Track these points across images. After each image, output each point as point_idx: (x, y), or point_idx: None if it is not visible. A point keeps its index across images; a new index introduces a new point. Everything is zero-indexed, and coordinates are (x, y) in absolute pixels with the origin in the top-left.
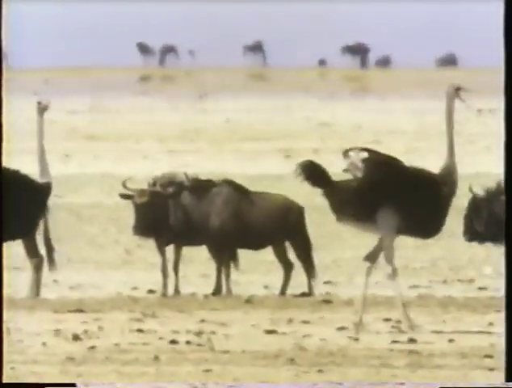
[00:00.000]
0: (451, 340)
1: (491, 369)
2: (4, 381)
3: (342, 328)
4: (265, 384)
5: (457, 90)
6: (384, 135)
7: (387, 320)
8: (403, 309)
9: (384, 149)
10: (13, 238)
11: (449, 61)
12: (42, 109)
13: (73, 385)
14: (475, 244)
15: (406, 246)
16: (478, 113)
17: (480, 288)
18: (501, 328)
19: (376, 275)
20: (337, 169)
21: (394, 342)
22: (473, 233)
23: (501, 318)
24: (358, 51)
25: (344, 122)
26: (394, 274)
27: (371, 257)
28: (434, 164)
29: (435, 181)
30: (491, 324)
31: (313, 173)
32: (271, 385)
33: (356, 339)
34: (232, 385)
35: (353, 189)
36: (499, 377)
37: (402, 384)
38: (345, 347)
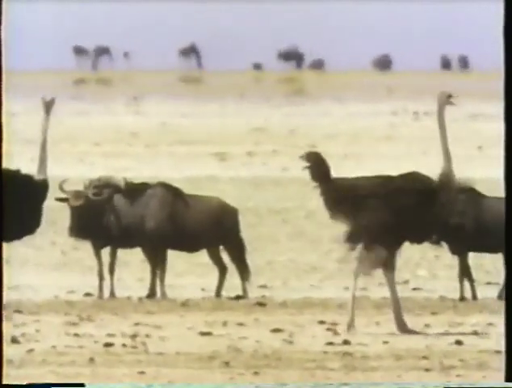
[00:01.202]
0: (385, 342)
1: (427, 370)
2: (4, 382)
3: (276, 330)
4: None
5: (448, 97)
6: (319, 139)
7: (321, 322)
8: (352, 309)
9: (320, 152)
10: (17, 237)
11: (384, 63)
12: (48, 105)
13: (82, 385)
14: (408, 246)
15: (341, 249)
16: (414, 116)
17: (415, 290)
18: (437, 329)
19: (312, 278)
20: (272, 172)
21: (329, 344)
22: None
23: (436, 319)
24: (292, 55)
25: (279, 126)
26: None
27: (390, 266)
28: (371, 168)
29: (432, 188)
30: (427, 326)
31: (318, 164)
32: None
33: (290, 342)
34: None
35: (350, 187)
36: (434, 377)
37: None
38: (280, 350)
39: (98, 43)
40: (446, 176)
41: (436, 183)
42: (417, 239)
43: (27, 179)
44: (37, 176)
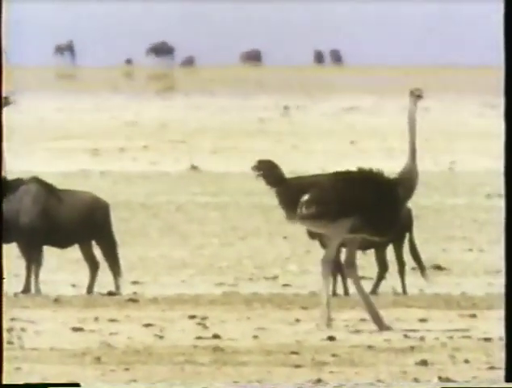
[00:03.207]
0: (255, 337)
1: (297, 366)
2: (4, 382)
3: (147, 325)
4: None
5: (418, 95)
6: (190, 134)
7: (192, 317)
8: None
9: (190, 147)
10: None
11: (254, 57)
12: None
13: (78, 385)
14: (279, 242)
15: (212, 244)
16: (285, 111)
17: (285, 285)
18: (307, 324)
19: (183, 273)
20: (143, 166)
21: (198, 338)
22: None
23: (307, 314)
24: (163, 50)
25: (150, 121)
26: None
27: (350, 263)
28: (241, 162)
29: (392, 184)
30: (297, 320)
31: (270, 171)
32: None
33: (161, 337)
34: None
35: (304, 185)
36: (306, 373)
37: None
38: (151, 345)
39: None
40: (408, 174)
41: (397, 179)
42: (376, 233)
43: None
44: None
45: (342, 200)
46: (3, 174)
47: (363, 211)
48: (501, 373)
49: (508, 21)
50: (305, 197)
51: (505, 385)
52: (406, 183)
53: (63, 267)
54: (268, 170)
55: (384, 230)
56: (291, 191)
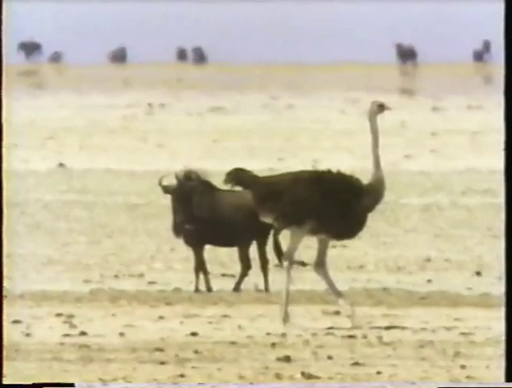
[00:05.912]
0: (121, 334)
1: (162, 363)
2: (4, 382)
3: (15, 322)
4: None
5: (380, 107)
6: (58, 131)
7: (59, 315)
8: (285, 303)
9: (58, 145)
10: None
11: (119, 55)
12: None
13: (72, 385)
14: (145, 240)
15: (78, 242)
16: (149, 108)
17: (150, 283)
18: (171, 321)
19: (51, 271)
20: (12, 164)
21: (66, 336)
22: (178, 227)
23: (170, 310)
24: (31, 48)
25: (18, 119)
26: (289, 269)
27: (320, 263)
28: (106, 160)
29: (357, 193)
30: (161, 317)
31: (243, 178)
32: None
33: (28, 334)
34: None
35: (274, 183)
36: (169, 370)
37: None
38: (18, 342)
39: None
40: (375, 184)
41: (365, 187)
42: (335, 236)
43: None
44: None
45: (307, 207)
46: None
47: (325, 215)
48: (366, 369)
49: (508, 21)
50: (271, 213)
51: (505, 385)
52: (373, 193)
53: None
54: (240, 179)
55: (343, 234)
56: (263, 191)
